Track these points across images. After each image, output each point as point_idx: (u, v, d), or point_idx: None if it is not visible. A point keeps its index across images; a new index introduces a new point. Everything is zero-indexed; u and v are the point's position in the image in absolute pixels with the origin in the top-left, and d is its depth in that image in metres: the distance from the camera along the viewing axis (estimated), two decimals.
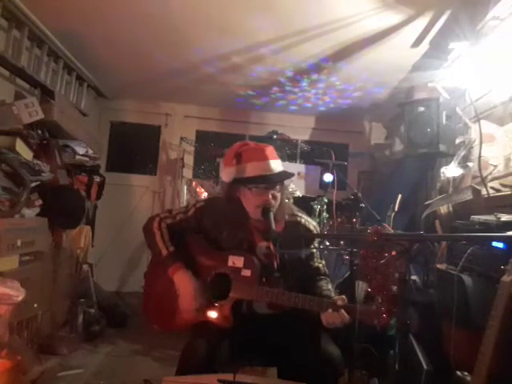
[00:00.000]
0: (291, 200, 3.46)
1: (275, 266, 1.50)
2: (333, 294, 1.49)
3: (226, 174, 1.57)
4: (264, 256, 1.53)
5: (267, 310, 1.54)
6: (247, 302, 1.54)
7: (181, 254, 1.58)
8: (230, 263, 1.52)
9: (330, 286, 1.57)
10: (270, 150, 1.56)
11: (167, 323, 1.61)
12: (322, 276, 1.64)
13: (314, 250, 1.66)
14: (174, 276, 1.53)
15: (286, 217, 1.61)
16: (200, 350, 1.39)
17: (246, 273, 1.49)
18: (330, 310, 1.34)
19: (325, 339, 1.47)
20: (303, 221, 1.65)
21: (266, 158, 1.52)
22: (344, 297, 1.38)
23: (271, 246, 1.51)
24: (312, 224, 1.68)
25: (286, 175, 1.58)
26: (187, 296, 1.51)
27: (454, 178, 2.69)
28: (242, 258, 1.51)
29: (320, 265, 1.67)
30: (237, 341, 1.48)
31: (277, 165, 1.55)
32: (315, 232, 1.69)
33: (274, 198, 1.52)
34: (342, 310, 1.33)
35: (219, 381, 1.19)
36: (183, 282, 1.52)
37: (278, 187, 1.54)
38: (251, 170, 1.51)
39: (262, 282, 1.49)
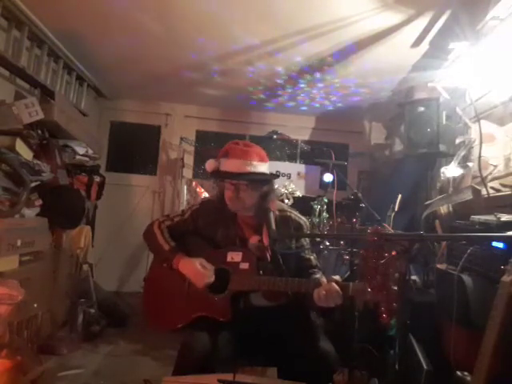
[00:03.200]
0: (291, 200, 3.49)
1: (268, 258, 1.55)
2: None
3: (208, 164, 1.67)
4: (256, 250, 1.58)
5: (264, 302, 1.57)
6: (244, 296, 1.58)
7: (182, 249, 1.65)
8: (228, 259, 1.58)
9: (324, 279, 1.59)
10: (250, 152, 1.61)
11: (167, 326, 1.63)
12: (314, 269, 1.68)
13: (305, 243, 1.71)
14: (179, 265, 1.59)
15: (277, 212, 1.68)
16: (198, 346, 1.41)
17: (244, 266, 1.55)
18: (323, 290, 1.37)
19: (318, 335, 1.51)
20: (293, 216, 1.73)
21: (240, 157, 1.59)
22: (338, 276, 1.45)
23: (263, 240, 1.56)
24: (301, 219, 1.75)
25: (253, 176, 1.60)
26: (199, 272, 1.56)
27: (454, 178, 2.69)
28: (241, 253, 1.58)
29: (311, 257, 1.71)
30: (235, 335, 1.50)
31: (251, 166, 1.59)
32: (305, 226, 1.74)
33: (240, 195, 1.58)
34: (335, 285, 1.36)
35: (219, 381, 1.20)
36: (190, 264, 1.58)
37: (245, 187, 1.58)
38: (226, 165, 1.60)
39: (258, 274, 1.54)
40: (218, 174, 1.63)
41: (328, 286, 1.37)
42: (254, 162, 1.61)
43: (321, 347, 1.44)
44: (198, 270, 1.56)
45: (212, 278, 1.56)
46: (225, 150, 1.65)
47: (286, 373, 1.41)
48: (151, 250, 1.75)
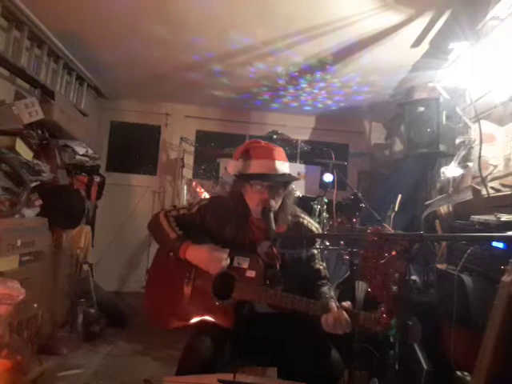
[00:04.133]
0: (291, 200, 3.48)
1: (277, 265, 1.51)
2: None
3: (232, 167, 1.59)
4: (265, 255, 1.54)
5: (268, 309, 1.54)
6: (249, 303, 1.54)
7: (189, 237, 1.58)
8: (235, 263, 1.53)
9: (332, 293, 1.57)
10: (278, 151, 1.57)
11: (169, 321, 1.59)
12: (323, 280, 1.63)
13: (316, 252, 1.66)
14: (186, 254, 1.53)
15: (289, 217, 1.62)
16: (202, 348, 1.39)
17: (251, 274, 1.50)
18: (331, 317, 1.33)
19: (324, 342, 1.45)
20: (305, 222, 1.66)
21: (271, 158, 1.53)
22: (349, 302, 1.37)
23: (273, 246, 1.52)
24: (314, 225, 1.69)
25: (288, 178, 1.58)
26: (212, 256, 1.50)
27: (454, 178, 2.69)
28: (248, 259, 1.52)
29: (321, 267, 1.66)
30: (238, 340, 1.48)
31: (283, 167, 1.55)
32: (317, 233, 1.69)
33: (274, 199, 1.53)
34: (344, 313, 1.32)
35: (219, 381, 1.19)
36: (199, 251, 1.52)
37: (280, 190, 1.54)
38: (255, 166, 1.53)
39: (265, 284, 1.49)
40: (251, 177, 1.52)
41: (337, 313, 1.32)
42: (285, 163, 1.57)
43: (330, 360, 1.40)
44: (210, 254, 1.49)
45: (227, 261, 1.49)
46: (244, 149, 1.57)
47: (286, 373, 1.39)
48: (156, 240, 1.68)
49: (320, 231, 1.74)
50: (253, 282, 1.48)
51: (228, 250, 1.52)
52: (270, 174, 1.51)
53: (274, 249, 1.51)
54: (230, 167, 1.59)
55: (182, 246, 1.54)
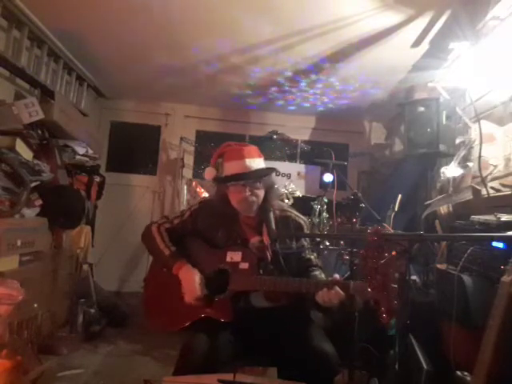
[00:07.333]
0: (291, 200, 3.49)
1: (269, 258, 1.57)
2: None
3: (208, 173, 1.69)
4: (257, 250, 1.59)
5: (265, 303, 1.56)
6: (245, 296, 1.57)
7: (182, 253, 1.64)
8: (228, 259, 1.57)
9: (323, 276, 1.62)
10: (248, 150, 1.64)
11: (166, 326, 1.63)
12: (314, 267, 1.68)
13: (305, 243, 1.71)
14: (179, 272, 1.58)
15: (277, 212, 1.69)
16: (198, 347, 1.41)
17: (244, 266, 1.54)
18: (325, 289, 1.37)
19: (320, 336, 1.49)
20: (293, 215, 1.73)
21: (242, 157, 1.60)
22: (337, 275, 1.43)
23: (264, 240, 1.58)
24: (302, 218, 1.75)
25: (262, 172, 1.64)
26: (193, 286, 1.54)
27: (454, 178, 2.69)
28: (240, 253, 1.57)
29: (312, 256, 1.71)
30: (236, 336, 1.50)
31: (255, 163, 1.62)
32: (305, 226, 1.74)
33: (254, 194, 1.59)
34: (337, 287, 1.36)
35: (219, 381, 1.19)
36: (188, 275, 1.56)
37: (258, 184, 1.60)
38: (228, 168, 1.61)
39: (258, 274, 1.53)
40: (226, 179, 1.61)
41: (330, 285, 1.37)
42: (256, 159, 1.64)
43: (321, 348, 1.43)
44: (195, 284, 1.53)
45: (199, 297, 1.53)
46: (219, 153, 1.67)
47: (286, 373, 1.40)
48: (151, 254, 1.74)
49: (307, 224, 1.79)
50: (247, 273, 1.53)
51: (206, 293, 1.55)
52: (241, 173, 1.58)
53: (266, 242, 1.56)
54: (207, 174, 1.69)
55: (175, 264, 1.59)
